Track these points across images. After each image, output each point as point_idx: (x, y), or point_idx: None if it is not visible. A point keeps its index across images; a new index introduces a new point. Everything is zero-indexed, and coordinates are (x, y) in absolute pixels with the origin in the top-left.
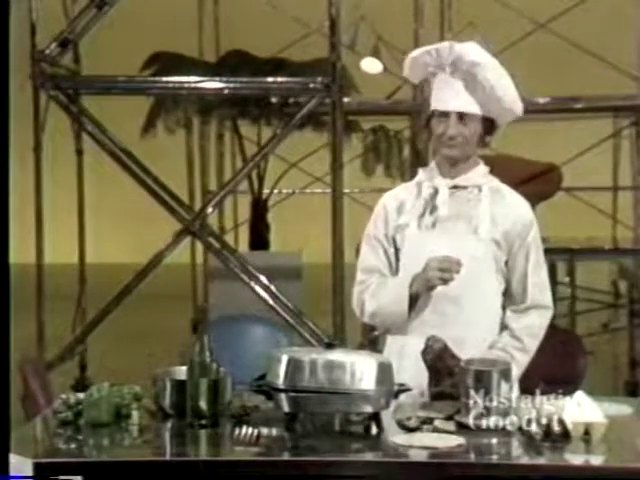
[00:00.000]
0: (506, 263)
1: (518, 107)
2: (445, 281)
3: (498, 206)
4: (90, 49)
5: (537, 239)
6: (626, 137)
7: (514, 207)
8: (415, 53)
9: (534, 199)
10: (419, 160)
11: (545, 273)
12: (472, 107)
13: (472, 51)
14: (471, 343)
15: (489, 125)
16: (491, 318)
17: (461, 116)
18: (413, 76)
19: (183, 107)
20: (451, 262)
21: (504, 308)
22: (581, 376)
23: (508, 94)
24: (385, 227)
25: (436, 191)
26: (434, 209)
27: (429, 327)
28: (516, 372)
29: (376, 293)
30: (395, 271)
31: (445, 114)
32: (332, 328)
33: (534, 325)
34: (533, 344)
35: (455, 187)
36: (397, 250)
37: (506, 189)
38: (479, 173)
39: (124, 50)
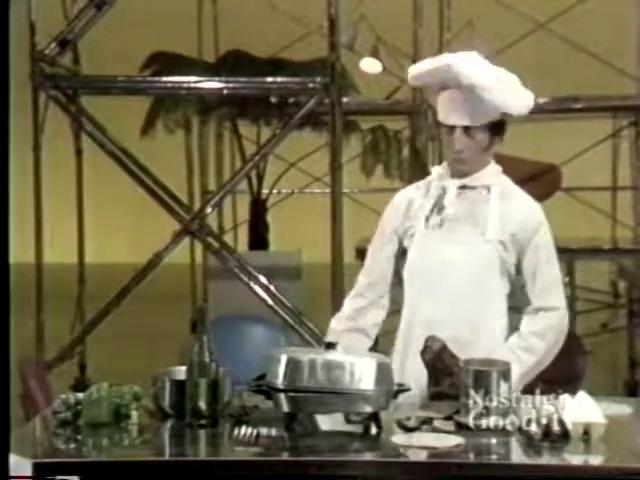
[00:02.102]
0: (516, 265)
1: (525, 103)
2: None
3: (506, 207)
4: (89, 49)
5: (547, 240)
6: (625, 137)
7: (523, 208)
8: (414, 72)
9: (533, 199)
10: (418, 160)
11: (556, 274)
12: (476, 120)
13: (470, 71)
14: (477, 345)
15: (498, 126)
16: (496, 320)
17: (467, 129)
18: (417, 84)
19: (182, 107)
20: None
21: (515, 311)
22: (580, 376)
23: (510, 101)
24: (395, 224)
25: (444, 191)
26: (441, 209)
27: (436, 327)
28: (519, 370)
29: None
30: (397, 273)
31: (451, 128)
32: None
33: (540, 326)
34: (540, 345)
35: (464, 187)
36: (405, 250)
37: (516, 190)
38: (489, 173)
39: (123, 50)
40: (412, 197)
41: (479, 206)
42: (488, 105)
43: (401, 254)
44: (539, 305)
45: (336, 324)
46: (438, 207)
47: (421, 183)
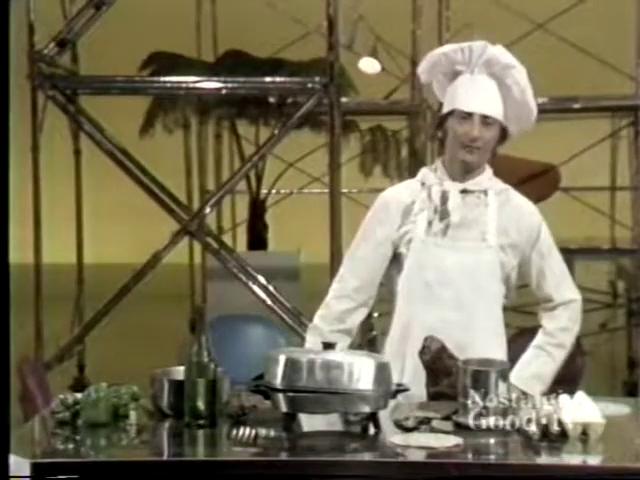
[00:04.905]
0: (517, 268)
1: (534, 117)
2: None
3: (506, 211)
4: (88, 49)
5: (548, 237)
6: (624, 137)
7: (521, 211)
8: (446, 49)
9: (532, 199)
10: (417, 160)
11: (564, 267)
12: (497, 110)
13: (506, 54)
14: (478, 347)
15: (502, 133)
16: (495, 322)
17: (485, 119)
18: (432, 73)
19: (181, 107)
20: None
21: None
22: (579, 376)
23: (533, 101)
24: (389, 229)
25: (445, 195)
26: (444, 215)
27: (435, 333)
28: (554, 367)
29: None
30: (390, 278)
31: (469, 115)
32: None
33: (566, 321)
34: (569, 339)
35: (463, 191)
36: (398, 255)
37: (511, 191)
38: (486, 177)
39: (122, 50)
40: (407, 200)
41: (479, 211)
42: (516, 97)
43: (392, 258)
44: (558, 301)
45: (323, 324)
46: (441, 213)
47: (413, 184)
